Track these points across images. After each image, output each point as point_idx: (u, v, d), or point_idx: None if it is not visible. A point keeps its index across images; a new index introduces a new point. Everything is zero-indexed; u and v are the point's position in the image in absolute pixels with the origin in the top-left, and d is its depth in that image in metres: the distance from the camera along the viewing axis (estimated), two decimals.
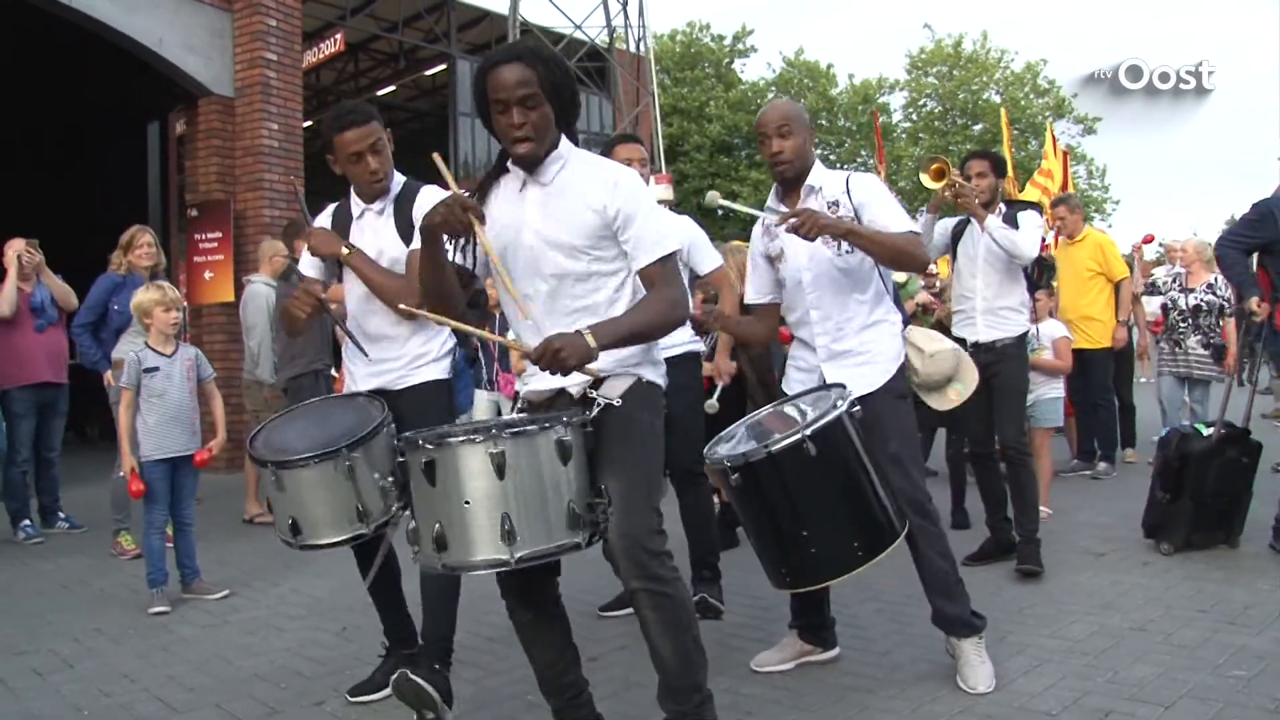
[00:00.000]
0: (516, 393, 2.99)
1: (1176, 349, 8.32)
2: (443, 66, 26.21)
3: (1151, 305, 8.97)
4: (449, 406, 3.59)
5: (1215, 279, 8.36)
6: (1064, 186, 11.99)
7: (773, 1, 64.44)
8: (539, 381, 2.76)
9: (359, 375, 3.56)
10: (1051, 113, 34.46)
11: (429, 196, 3.36)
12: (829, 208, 3.51)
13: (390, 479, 3.23)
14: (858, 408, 3.25)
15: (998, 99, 35.35)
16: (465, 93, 26.46)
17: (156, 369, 5.04)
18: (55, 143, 12.56)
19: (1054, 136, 12.60)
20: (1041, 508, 5.86)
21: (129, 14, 9.29)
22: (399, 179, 3.54)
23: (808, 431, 3.09)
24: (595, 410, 2.61)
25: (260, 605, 5.00)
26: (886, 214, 3.48)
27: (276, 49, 10.13)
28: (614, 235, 2.69)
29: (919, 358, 3.84)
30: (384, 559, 3.47)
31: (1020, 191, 11.19)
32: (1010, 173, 11.26)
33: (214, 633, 4.62)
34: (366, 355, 3.50)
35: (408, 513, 2.73)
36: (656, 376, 2.78)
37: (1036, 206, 5.54)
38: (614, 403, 2.62)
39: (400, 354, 3.50)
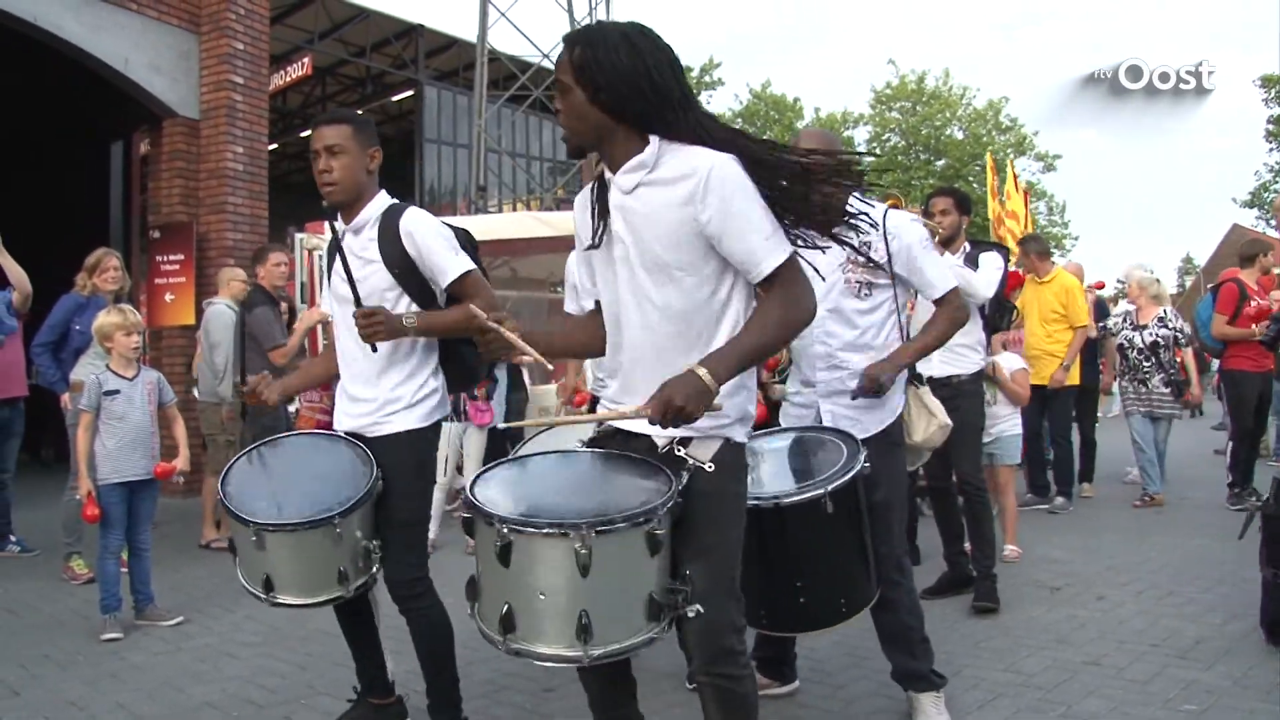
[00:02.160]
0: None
1: (1141, 388, 8.36)
2: (410, 93, 26.30)
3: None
4: (425, 458, 3.36)
5: (1165, 311, 8.40)
6: (1026, 224, 12.17)
7: (740, 35, 65.18)
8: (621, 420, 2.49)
9: (340, 412, 3.43)
10: (1013, 150, 35.06)
11: (414, 217, 3.25)
12: (861, 246, 3.31)
13: (375, 541, 3.18)
14: (868, 465, 3.12)
15: (960, 135, 35.94)
16: (432, 118, 26.56)
17: (117, 392, 4.99)
18: (16, 161, 12.42)
19: (1015, 174, 12.76)
20: (1010, 546, 5.93)
21: (95, 34, 9.23)
22: (383, 201, 3.33)
23: (829, 488, 2.98)
24: (685, 478, 2.34)
25: (214, 632, 4.94)
26: (929, 273, 3.49)
27: (243, 72, 10.10)
28: (705, 240, 2.32)
29: (927, 422, 3.65)
30: (359, 602, 3.38)
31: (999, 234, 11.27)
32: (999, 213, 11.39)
33: (166, 660, 4.56)
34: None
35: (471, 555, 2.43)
36: (744, 435, 2.47)
37: (1002, 248, 5.61)
38: (705, 468, 2.35)
39: (373, 396, 3.31)
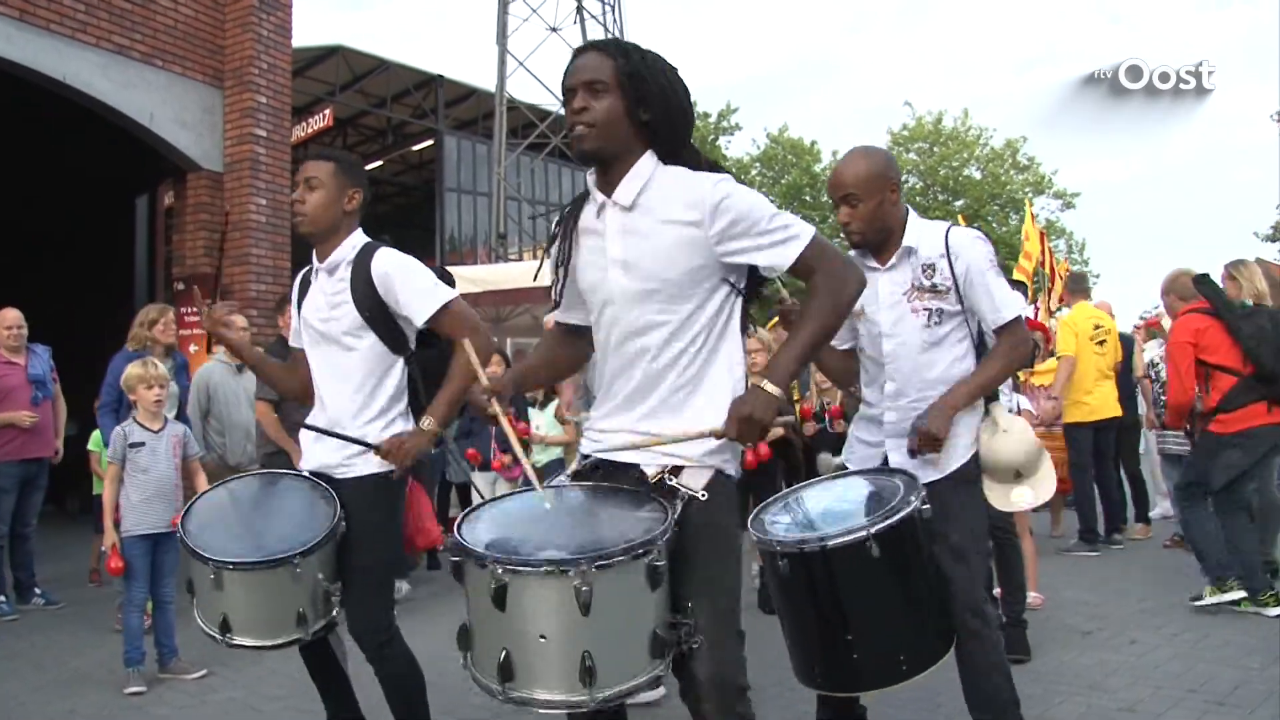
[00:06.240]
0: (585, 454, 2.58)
1: (1156, 423, 8.24)
2: (430, 142, 26.59)
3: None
4: (391, 502, 3.32)
5: None
6: (1043, 264, 12.17)
7: (757, 80, 65.68)
8: (604, 447, 2.49)
9: (305, 449, 3.41)
10: (1031, 189, 35.05)
11: (385, 257, 3.26)
12: (923, 271, 3.16)
13: (336, 583, 3.14)
14: (927, 506, 2.86)
15: (978, 175, 35.97)
16: (452, 167, 26.82)
17: (142, 444, 5.01)
18: (42, 214, 12.61)
19: (1033, 215, 12.78)
20: (1033, 593, 5.79)
21: (123, 90, 9.40)
22: (358, 240, 3.35)
23: (872, 530, 2.72)
24: (679, 506, 2.30)
25: (238, 685, 4.91)
26: (993, 297, 3.13)
27: (266, 125, 10.24)
28: (714, 253, 2.34)
29: (989, 430, 3.28)
30: (322, 646, 3.33)
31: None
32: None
33: (190, 714, 4.53)
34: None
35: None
36: (734, 469, 2.44)
37: (1022, 286, 5.58)
38: (699, 496, 2.32)
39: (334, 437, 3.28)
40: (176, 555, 5.16)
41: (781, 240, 2.34)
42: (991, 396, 3.31)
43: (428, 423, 3.21)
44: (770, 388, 2.28)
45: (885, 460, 3.23)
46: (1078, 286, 8.75)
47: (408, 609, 6.53)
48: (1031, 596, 5.81)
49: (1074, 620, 5.59)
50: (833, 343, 3.36)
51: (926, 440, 3.02)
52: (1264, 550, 6.24)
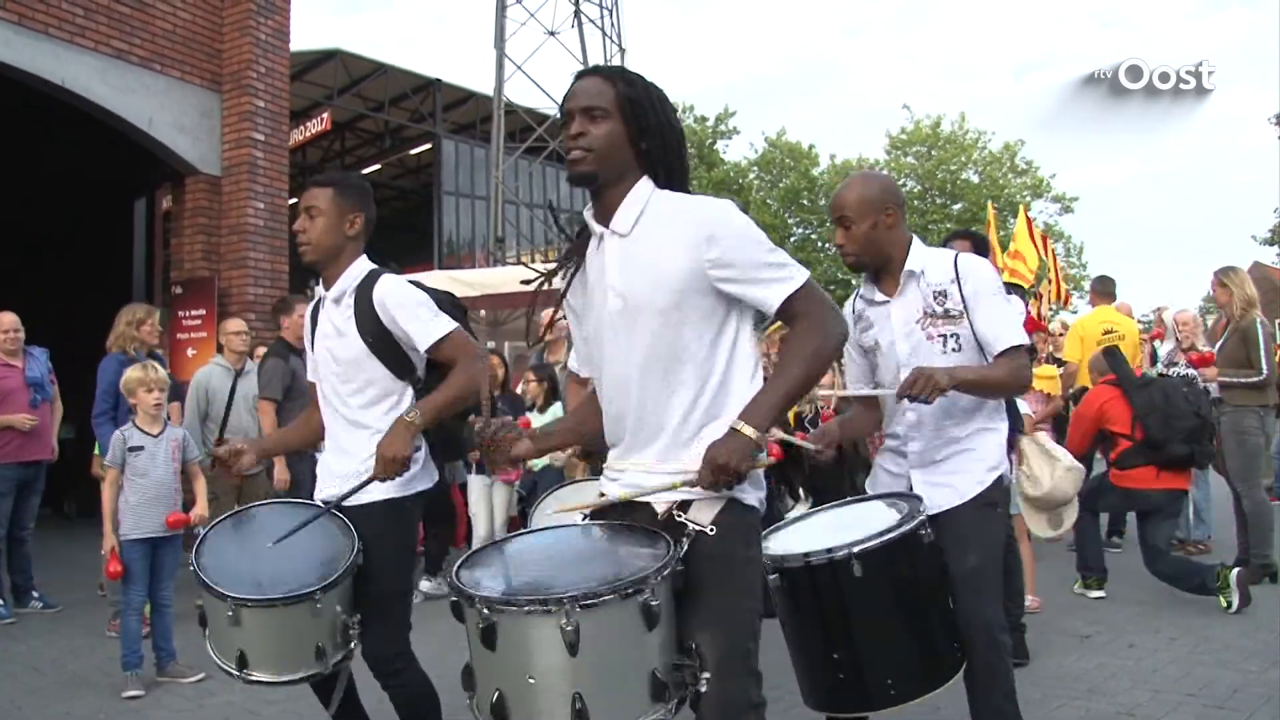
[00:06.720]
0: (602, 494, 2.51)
1: None
2: (427, 146, 26.58)
3: None
4: (405, 528, 3.29)
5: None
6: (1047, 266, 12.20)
7: (755, 83, 65.74)
8: (619, 488, 2.41)
9: (321, 481, 3.34)
10: (1030, 192, 35.10)
11: (386, 286, 3.20)
12: (935, 297, 3.12)
13: (354, 615, 3.09)
14: (926, 530, 2.86)
15: (976, 178, 36.01)
16: (450, 171, 26.81)
17: (141, 448, 5.00)
18: (41, 215, 12.58)
19: (1029, 219, 12.78)
20: (1030, 596, 5.80)
21: (122, 94, 9.39)
22: (361, 268, 3.29)
23: (855, 549, 2.72)
24: (685, 545, 2.21)
25: (236, 689, 4.85)
26: (995, 323, 3.09)
27: (264, 129, 10.24)
28: (709, 281, 2.26)
29: (1049, 467, 3.15)
30: (335, 680, 3.26)
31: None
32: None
33: (188, 717, 4.54)
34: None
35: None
36: (754, 498, 2.33)
37: (1020, 290, 5.59)
38: (706, 531, 2.24)
39: (353, 466, 3.19)
40: (175, 558, 5.16)
41: (774, 280, 2.27)
42: (1020, 429, 3.20)
43: (412, 415, 3.08)
44: (748, 431, 2.17)
45: (910, 489, 3.17)
46: (1104, 289, 8.86)
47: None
48: (1029, 600, 5.82)
49: (1072, 624, 5.58)
50: (854, 386, 3.37)
51: (925, 383, 2.87)
52: (1260, 553, 6.36)
